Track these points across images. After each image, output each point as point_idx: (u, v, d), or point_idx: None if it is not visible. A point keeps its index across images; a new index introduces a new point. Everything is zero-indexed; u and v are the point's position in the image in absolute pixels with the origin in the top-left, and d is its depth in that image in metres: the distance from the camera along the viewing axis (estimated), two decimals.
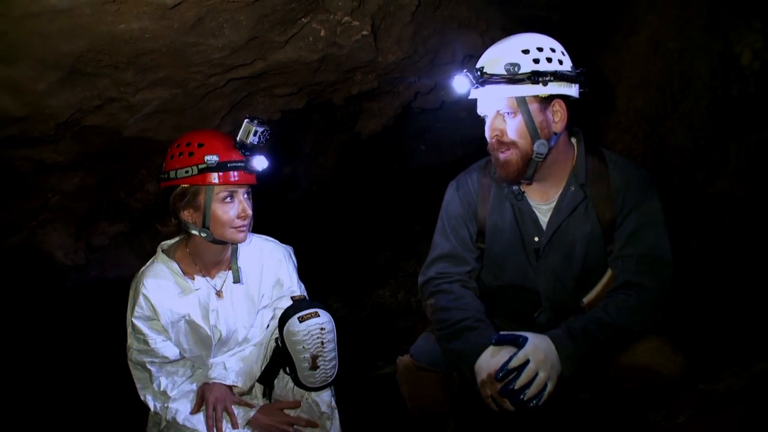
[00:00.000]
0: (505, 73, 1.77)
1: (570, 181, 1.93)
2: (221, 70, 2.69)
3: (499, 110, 1.84)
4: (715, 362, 1.92)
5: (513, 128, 1.83)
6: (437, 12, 3.33)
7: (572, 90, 1.83)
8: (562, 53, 1.83)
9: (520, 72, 1.76)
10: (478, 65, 1.85)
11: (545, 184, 1.96)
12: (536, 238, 1.97)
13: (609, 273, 1.96)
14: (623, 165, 1.95)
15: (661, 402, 1.79)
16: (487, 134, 1.89)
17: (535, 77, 1.76)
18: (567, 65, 1.82)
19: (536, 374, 1.65)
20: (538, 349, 1.68)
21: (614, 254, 1.89)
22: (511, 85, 1.78)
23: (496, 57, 1.82)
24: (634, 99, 3.51)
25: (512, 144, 1.84)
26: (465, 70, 1.84)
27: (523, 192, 1.98)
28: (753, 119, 2.97)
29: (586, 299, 1.97)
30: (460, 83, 1.86)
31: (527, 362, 1.65)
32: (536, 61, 1.78)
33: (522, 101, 1.80)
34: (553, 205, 1.96)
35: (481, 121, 1.97)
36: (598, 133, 3.64)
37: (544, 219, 1.98)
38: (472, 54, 3.67)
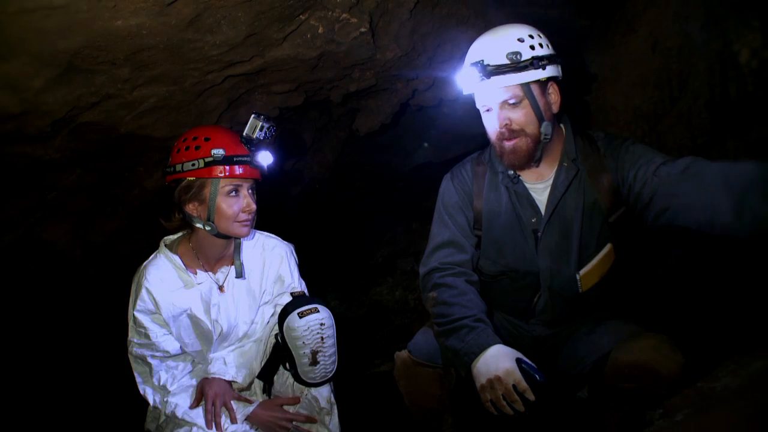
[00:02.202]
0: (509, 62, 1.82)
1: (562, 158, 1.98)
2: (219, 67, 2.69)
3: (505, 100, 1.87)
4: (712, 360, 1.92)
5: (521, 115, 1.88)
6: (435, 10, 3.32)
7: (559, 71, 1.90)
8: (546, 38, 1.90)
9: (522, 59, 1.81)
10: (475, 59, 1.88)
11: (540, 166, 2.01)
12: (534, 219, 2.01)
13: (606, 248, 2.00)
14: (608, 136, 2.03)
15: (658, 400, 1.79)
16: (495, 125, 1.92)
17: (536, 63, 1.81)
18: (551, 48, 1.89)
19: None
20: None
21: (654, 182, 1.82)
22: (516, 73, 1.82)
23: (493, 48, 1.86)
24: (632, 97, 3.51)
25: (521, 131, 1.89)
26: (469, 64, 1.87)
27: (518, 175, 2.02)
28: (751, 117, 2.97)
29: (581, 272, 2.00)
30: (467, 78, 1.89)
31: None
32: (532, 47, 1.84)
33: (527, 87, 1.85)
34: (549, 182, 2.00)
35: (479, 116, 1.99)
36: (595, 130, 3.64)
37: (540, 199, 2.02)
38: None
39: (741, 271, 2.86)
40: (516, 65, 1.82)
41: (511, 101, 1.87)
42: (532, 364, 1.71)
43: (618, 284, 2.11)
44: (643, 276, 3.13)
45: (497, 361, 1.72)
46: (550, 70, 1.85)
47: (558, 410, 2.36)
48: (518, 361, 1.71)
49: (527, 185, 2.03)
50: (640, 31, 3.42)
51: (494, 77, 1.84)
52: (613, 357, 1.88)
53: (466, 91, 1.96)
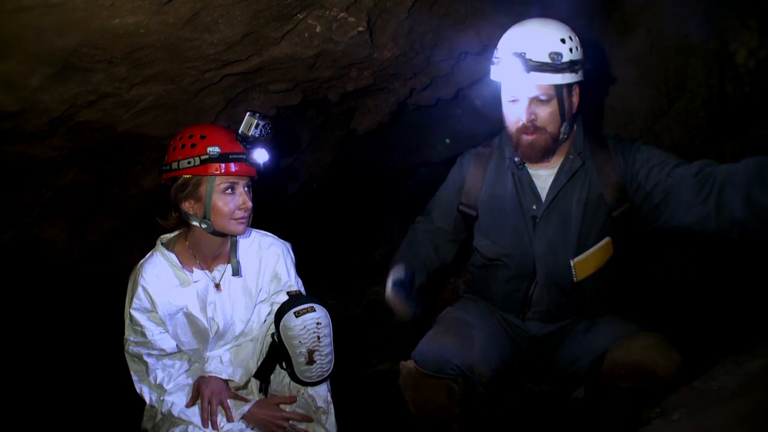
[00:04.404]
0: (550, 61, 1.84)
1: (569, 151, 2.03)
2: (216, 66, 2.68)
3: (536, 96, 1.90)
4: (709, 359, 1.93)
5: (547, 113, 1.91)
6: (433, 9, 3.32)
7: (582, 74, 1.94)
8: (580, 40, 1.92)
9: (562, 61, 1.84)
10: (517, 50, 1.87)
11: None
12: (534, 206, 2.06)
13: (604, 241, 2.03)
14: (618, 135, 2.09)
15: (655, 399, 1.80)
16: (521, 117, 1.94)
17: (573, 66, 1.85)
18: (582, 52, 1.92)
19: None
20: None
21: (663, 184, 1.87)
22: (554, 73, 1.85)
23: (537, 43, 1.87)
24: (629, 97, 3.51)
25: (544, 129, 1.93)
26: (512, 54, 1.86)
27: (524, 162, 2.06)
28: (748, 117, 2.97)
29: (576, 259, 2.02)
30: (507, 67, 1.89)
31: None
32: (571, 50, 1.86)
33: (559, 88, 1.88)
34: (553, 171, 2.04)
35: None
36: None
37: (542, 186, 2.06)
38: (468, 51, 3.67)
39: (738, 269, 2.86)
40: (556, 66, 1.84)
41: (542, 98, 1.90)
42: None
43: (615, 281, 2.12)
44: (640, 274, 3.13)
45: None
46: (581, 75, 1.90)
47: (555, 410, 2.36)
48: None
49: (530, 171, 2.08)
50: (638, 30, 3.43)
51: (534, 73, 1.85)
52: (609, 356, 1.89)
53: (497, 79, 1.98)
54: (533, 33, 1.90)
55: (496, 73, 1.96)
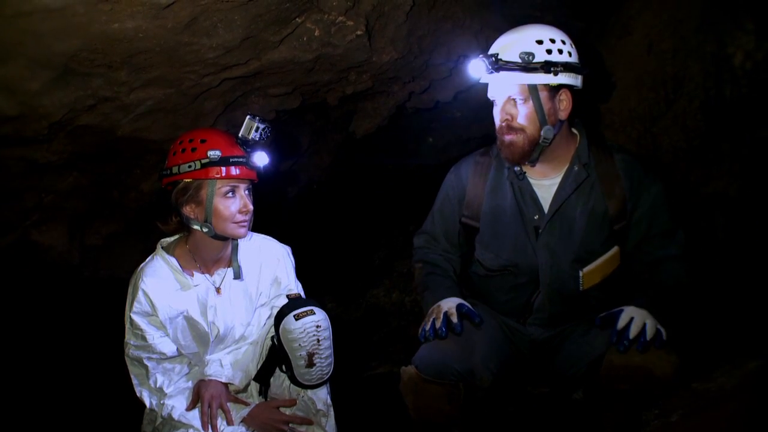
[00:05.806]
0: (520, 61, 1.86)
1: (573, 161, 2.02)
2: (215, 70, 2.69)
3: (510, 96, 1.92)
4: (707, 361, 1.94)
5: (523, 114, 1.92)
6: (431, 12, 3.33)
7: (578, 81, 1.93)
8: (571, 46, 1.92)
9: (534, 61, 1.85)
10: (491, 51, 1.92)
11: (548, 166, 2.05)
12: (536, 216, 2.05)
13: (612, 250, 2.04)
14: (624, 150, 2.09)
15: (654, 401, 1.80)
16: (498, 117, 1.98)
17: (547, 67, 1.85)
18: (574, 57, 1.91)
19: (644, 323, 1.79)
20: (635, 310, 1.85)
21: (637, 236, 2.01)
22: (524, 73, 1.86)
23: (511, 45, 1.89)
24: (627, 99, 3.52)
25: (521, 129, 1.93)
26: (481, 56, 1.92)
27: (524, 172, 2.06)
28: (746, 119, 2.98)
29: (585, 270, 2.03)
30: (475, 68, 1.94)
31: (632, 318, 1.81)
32: (549, 51, 1.86)
33: (534, 89, 1.88)
34: (556, 181, 2.03)
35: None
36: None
37: (545, 196, 2.05)
38: (466, 54, 3.68)
39: (737, 273, 2.87)
40: (526, 66, 1.85)
41: (516, 98, 1.91)
42: (472, 309, 2.01)
43: (618, 288, 2.12)
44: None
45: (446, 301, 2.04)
46: (564, 78, 1.87)
47: (555, 412, 2.36)
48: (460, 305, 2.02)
49: (532, 181, 2.07)
50: (636, 33, 3.44)
51: (502, 72, 1.88)
52: (608, 358, 1.88)
53: (482, 80, 2.00)
54: (511, 36, 1.93)
55: (469, 71, 1.99)
